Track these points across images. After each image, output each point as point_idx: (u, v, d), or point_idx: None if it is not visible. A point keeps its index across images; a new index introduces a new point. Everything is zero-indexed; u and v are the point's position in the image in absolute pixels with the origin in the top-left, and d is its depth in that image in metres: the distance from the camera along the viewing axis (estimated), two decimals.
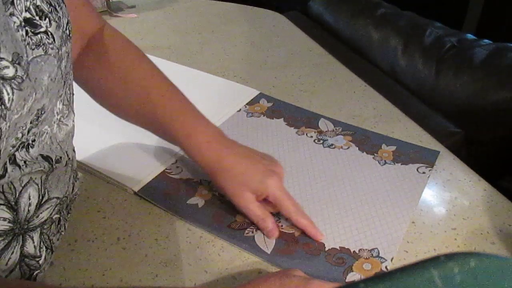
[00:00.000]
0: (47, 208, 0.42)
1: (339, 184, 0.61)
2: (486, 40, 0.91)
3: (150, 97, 0.55)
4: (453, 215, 0.57)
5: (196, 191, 0.59)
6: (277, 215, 0.56)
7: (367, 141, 0.69)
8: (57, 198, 0.43)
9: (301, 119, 0.74)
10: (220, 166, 0.53)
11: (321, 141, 0.69)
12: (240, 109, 0.76)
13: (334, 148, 0.67)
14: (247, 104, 0.78)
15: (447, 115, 0.85)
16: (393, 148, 0.67)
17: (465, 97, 0.84)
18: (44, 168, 0.40)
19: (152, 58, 0.93)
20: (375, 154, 0.66)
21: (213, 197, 0.58)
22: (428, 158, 0.65)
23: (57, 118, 0.43)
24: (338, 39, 1.15)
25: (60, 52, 0.40)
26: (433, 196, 0.60)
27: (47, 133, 0.41)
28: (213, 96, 0.81)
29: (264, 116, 0.75)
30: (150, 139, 0.68)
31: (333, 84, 0.85)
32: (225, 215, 0.56)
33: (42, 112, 0.38)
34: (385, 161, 0.64)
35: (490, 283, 0.19)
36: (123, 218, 0.56)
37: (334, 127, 0.72)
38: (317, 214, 0.56)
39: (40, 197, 0.41)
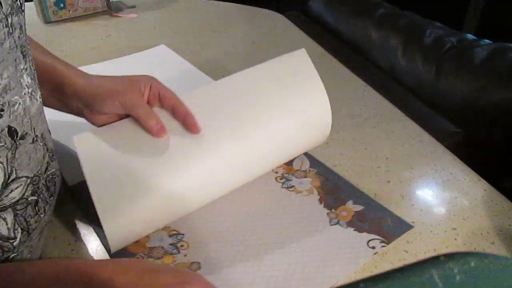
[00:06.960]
0: (17, 187, 0.41)
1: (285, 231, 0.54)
2: (486, 40, 0.91)
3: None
4: (453, 215, 0.57)
5: None
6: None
7: (334, 192, 0.60)
8: (27, 177, 0.43)
9: None
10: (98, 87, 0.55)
11: (284, 180, 0.62)
12: None
13: (292, 191, 0.60)
14: None
15: (447, 115, 0.85)
16: (359, 208, 0.57)
17: (465, 97, 0.84)
18: (5, 144, 0.40)
19: (163, 47, 0.93)
20: (333, 210, 0.57)
21: None
22: (391, 231, 0.54)
23: (27, 91, 0.43)
24: (338, 39, 1.15)
25: (9, 20, 0.40)
26: (433, 196, 0.60)
27: (19, 104, 0.41)
28: None
29: None
30: None
31: (333, 84, 0.85)
32: None
33: None
34: (338, 220, 0.56)
35: (490, 283, 0.19)
36: None
37: (310, 167, 0.64)
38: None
39: (7, 176, 0.40)
